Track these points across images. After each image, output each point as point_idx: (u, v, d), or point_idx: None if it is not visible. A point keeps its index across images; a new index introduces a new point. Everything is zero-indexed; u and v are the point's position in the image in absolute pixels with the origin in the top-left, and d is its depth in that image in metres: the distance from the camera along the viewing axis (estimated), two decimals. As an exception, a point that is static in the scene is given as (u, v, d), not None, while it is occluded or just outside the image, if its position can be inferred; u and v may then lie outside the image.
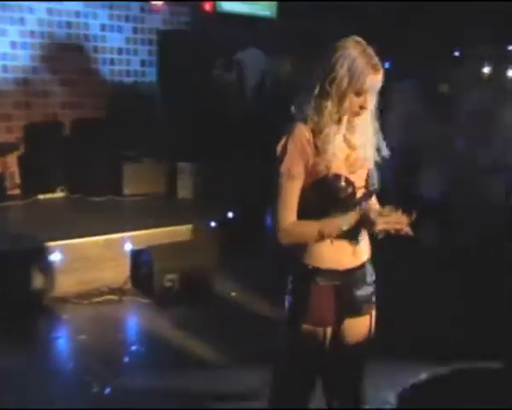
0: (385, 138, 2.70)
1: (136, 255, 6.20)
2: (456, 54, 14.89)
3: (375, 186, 2.69)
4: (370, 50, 2.54)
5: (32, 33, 7.92)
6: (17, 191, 7.71)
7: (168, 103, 8.54)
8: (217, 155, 7.73)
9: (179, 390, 4.22)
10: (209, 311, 5.54)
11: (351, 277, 2.66)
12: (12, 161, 7.68)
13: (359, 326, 2.75)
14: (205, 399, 4.11)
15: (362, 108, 2.54)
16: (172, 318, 5.39)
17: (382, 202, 2.71)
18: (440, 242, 7.46)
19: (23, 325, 5.14)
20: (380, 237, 2.52)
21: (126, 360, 4.73)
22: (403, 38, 11.53)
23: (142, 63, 8.93)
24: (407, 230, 2.50)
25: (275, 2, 9.82)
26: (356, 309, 2.71)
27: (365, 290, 2.73)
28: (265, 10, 9.83)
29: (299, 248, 2.65)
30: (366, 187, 2.64)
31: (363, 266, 2.71)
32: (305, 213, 2.60)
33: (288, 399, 2.80)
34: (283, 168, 2.55)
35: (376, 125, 2.68)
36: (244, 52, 9.57)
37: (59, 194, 7.95)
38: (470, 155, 7.45)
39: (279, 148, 2.57)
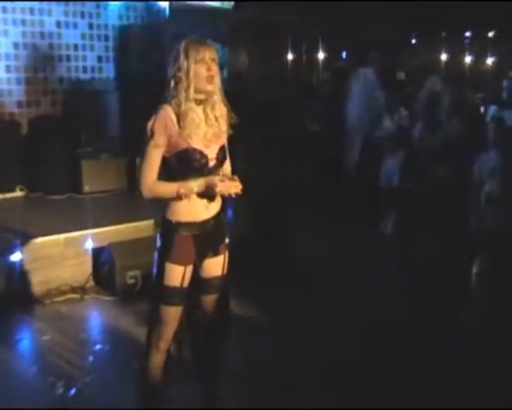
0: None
1: (97, 253, 6.20)
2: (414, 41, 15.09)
3: (226, 158, 3.40)
4: (202, 38, 3.26)
5: (-13, 32, 7.85)
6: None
7: (125, 99, 8.52)
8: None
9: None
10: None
11: (206, 226, 3.33)
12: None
13: (216, 263, 3.46)
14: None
15: (209, 74, 3.17)
16: (136, 315, 5.39)
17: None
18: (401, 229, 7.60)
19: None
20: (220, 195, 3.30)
21: (91, 359, 4.74)
22: (360, 26, 11.64)
23: (99, 59, 8.88)
24: (238, 191, 3.21)
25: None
26: (213, 249, 3.41)
27: (219, 235, 3.43)
28: (222, 2, 9.83)
29: (165, 207, 3.32)
30: (217, 159, 3.30)
31: (215, 217, 3.36)
32: (169, 175, 3.28)
33: (160, 324, 3.39)
34: (150, 139, 3.20)
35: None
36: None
37: (18, 193, 7.91)
38: (428, 141, 7.56)
39: (149, 124, 3.20)
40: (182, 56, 3.17)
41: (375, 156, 8.34)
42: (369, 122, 9.00)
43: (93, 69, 8.81)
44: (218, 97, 3.28)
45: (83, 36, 8.69)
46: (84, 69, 8.72)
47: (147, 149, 3.24)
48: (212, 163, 3.28)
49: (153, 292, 3.47)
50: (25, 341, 5.20)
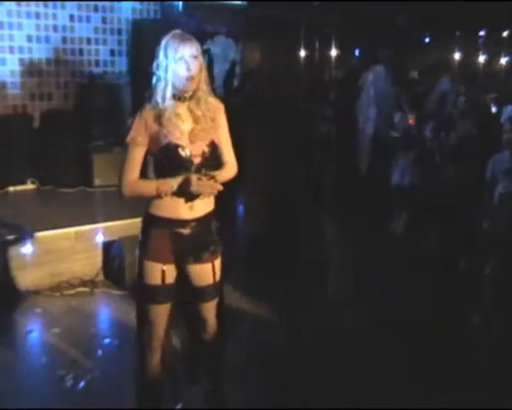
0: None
1: (107, 247, 6.21)
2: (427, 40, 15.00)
3: (216, 154, 3.29)
4: (184, 34, 3.19)
5: (1, 24, 7.85)
6: (-14, 184, 7.64)
7: (137, 93, 8.50)
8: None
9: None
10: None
11: (187, 226, 3.25)
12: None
13: (201, 272, 3.35)
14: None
15: (188, 75, 3.11)
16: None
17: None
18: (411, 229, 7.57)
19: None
20: (200, 196, 3.18)
21: (100, 353, 4.75)
22: (373, 24, 11.58)
23: (112, 53, 8.88)
24: (214, 193, 3.20)
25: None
26: (195, 256, 3.31)
27: (205, 241, 3.32)
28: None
29: (147, 202, 3.28)
30: (203, 155, 3.21)
31: (201, 219, 3.28)
32: (158, 174, 3.25)
33: (148, 323, 3.36)
34: (130, 137, 3.21)
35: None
36: (213, 41, 9.55)
37: (29, 186, 7.92)
38: (439, 141, 7.52)
39: (130, 123, 3.23)
40: (161, 54, 3.14)
41: (387, 155, 8.30)
42: (380, 121, 8.96)
43: (106, 63, 8.81)
44: (202, 93, 3.23)
45: (96, 29, 8.69)
46: (97, 63, 8.73)
47: (127, 148, 3.24)
48: (197, 160, 3.20)
49: (137, 290, 3.45)
50: (34, 333, 5.19)
